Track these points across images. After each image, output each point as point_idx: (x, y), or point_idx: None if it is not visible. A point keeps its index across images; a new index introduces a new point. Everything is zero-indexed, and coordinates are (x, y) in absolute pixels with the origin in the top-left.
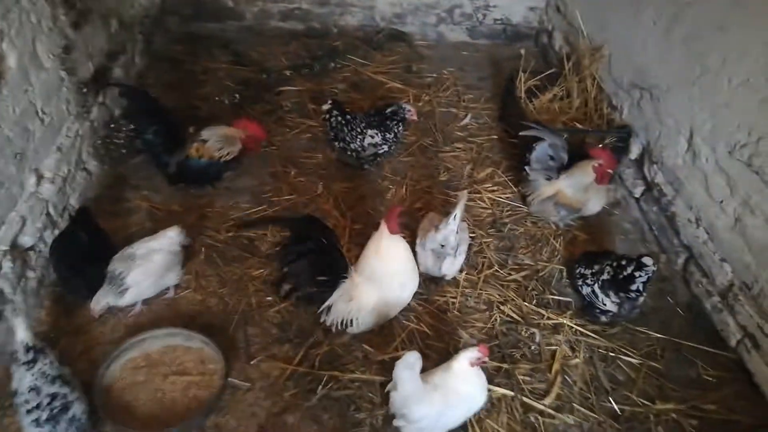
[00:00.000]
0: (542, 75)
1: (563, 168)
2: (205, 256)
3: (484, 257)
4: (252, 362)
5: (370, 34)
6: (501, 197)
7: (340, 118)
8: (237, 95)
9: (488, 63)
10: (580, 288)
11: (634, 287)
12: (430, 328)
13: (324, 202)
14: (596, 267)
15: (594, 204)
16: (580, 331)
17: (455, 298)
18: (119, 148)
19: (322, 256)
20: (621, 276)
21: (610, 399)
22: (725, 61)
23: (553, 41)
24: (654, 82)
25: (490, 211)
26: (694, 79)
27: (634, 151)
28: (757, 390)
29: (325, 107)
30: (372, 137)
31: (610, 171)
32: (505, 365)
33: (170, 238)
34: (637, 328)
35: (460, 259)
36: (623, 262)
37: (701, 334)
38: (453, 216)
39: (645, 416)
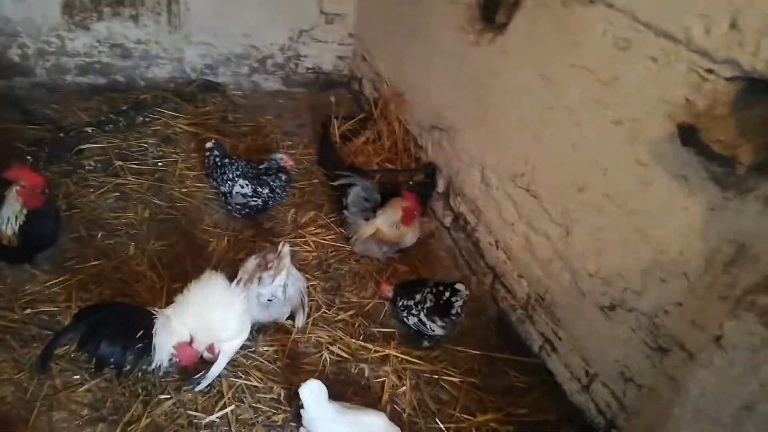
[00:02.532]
0: (354, 120)
1: (379, 207)
2: None
3: (312, 300)
4: None
5: (182, 86)
6: (325, 239)
7: (217, 160)
8: (29, 157)
9: (305, 110)
10: (405, 319)
11: (453, 311)
12: (258, 380)
13: (137, 264)
14: (417, 296)
15: (410, 237)
16: (405, 359)
17: (284, 346)
18: None
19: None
20: (441, 301)
21: (437, 420)
22: (502, 102)
23: (363, 88)
24: (449, 123)
25: (315, 253)
26: (480, 119)
27: (441, 185)
28: (560, 388)
29: (208, 145)
30: (242, 187)
31: (415, 212)
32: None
33: None
34: (457, 348)
35: (303, 308)
36: (441, 288)
37: (511, 346)
38: (277, 274)
39: (468, 430)
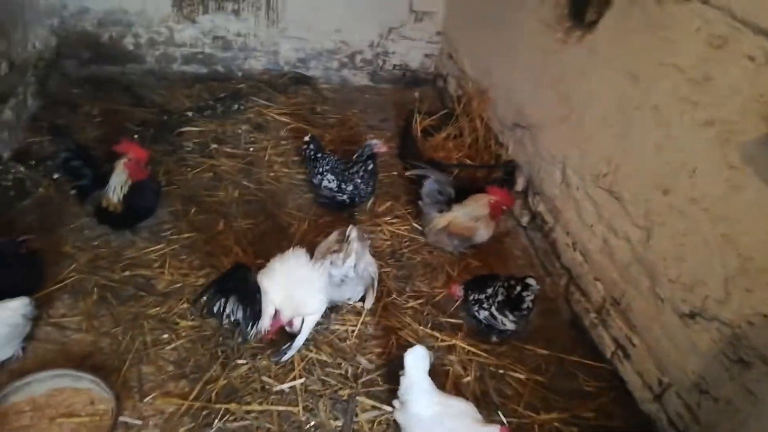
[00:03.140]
0: (436, 116)
1: (452, 201)
2: (98, 296)
3: (383, 285)
4: (145, 400)
5: (275, 78)
6: (400, 229)
7: (312, 153)
8: (136, 135)
9: (390, 105)
10: (476, 313)
11: (524, 305)
12: (328, 356)
13: (225, 238)
14: (489, 290)
15: (482, 233)
16: (471, 351)
17: (355, 326)
18: (7, 190)
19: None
20: (512, 295)
21: (499, 413)
22: (587, 101)
23: (447, 85)
24: (531, 121)
25: (389, 242)
26: (563, 118)
27: (520, 184)
28: (631, 396)
29: (306, 138)
30: (329, 182)
31: (505, 208)
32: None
33: (10, 309)
34: (525, 346)
35: (372, 291)
36: (512, 282)
37: (582, 349)
38: (346, 257)
39: (530, 427)
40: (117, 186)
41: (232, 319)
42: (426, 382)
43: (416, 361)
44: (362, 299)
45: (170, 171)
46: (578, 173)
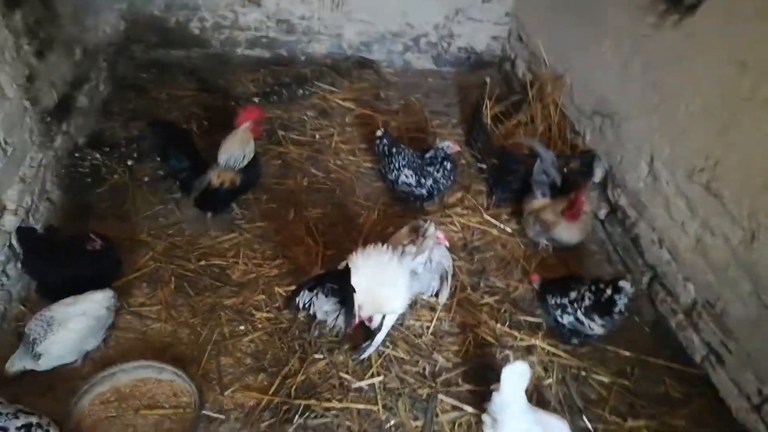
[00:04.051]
0: (507, 102)
1: (556, 187)
2: (175, 285)
3: (457, 281)
4: (226, 393)
5: (338, 62)
6: (471, 221)
7: (386, 149)
8: (206, 122)
9: (454, 90)
10: (559, 318)
11: (617, 309)
12: (405, 353)
13: (296, 228)
14: (573, 294)
15: (567, 233)
16: (552, 351)
17: (430, 322)
18: (84, 177)
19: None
20: (603, 299)
21: (584, 418)
22: (682, 90)
23: (515, 69)
24: (614, 109)
25: (460, 234)
26: (652, 107)
27: (598, 175)
28: (723, 404)
29: (378, 133)
30: (407, 177)
31: (579, 207)
32: (479, 388)
33: (96, 302)
34: (607, 347)
35: (447, 285)
36: (601, 286)
37: (668, 352)
38: (420, 252)
39: None
40: (247, 155)
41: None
42: (523, 401)
43: (515, 378)
44: (436, 294)
45: None
46: (668, 167)
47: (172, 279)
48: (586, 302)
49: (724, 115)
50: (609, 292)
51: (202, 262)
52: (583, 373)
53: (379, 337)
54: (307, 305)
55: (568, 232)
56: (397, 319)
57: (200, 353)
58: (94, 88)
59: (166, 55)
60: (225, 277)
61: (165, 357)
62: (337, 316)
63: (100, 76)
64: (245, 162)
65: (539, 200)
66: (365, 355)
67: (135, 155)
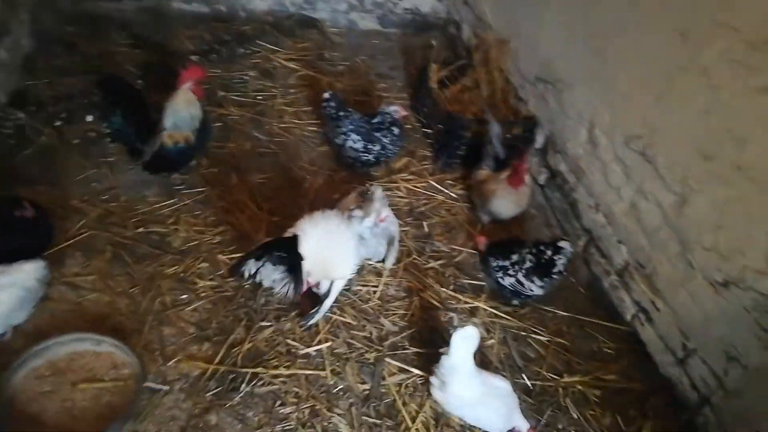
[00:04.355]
0: (453, 66)
1: (498, 160)
2: (111, 254)
3: (404, 246)
4: (169, 364)
5: (280, 20)
6: (417, 186)
7: (333, 112)
8: (140, 81)
9: (399, 52)
10: (500, 280)
11: (556, 270)
12: (353, 318)
13: (239, 193)
14: (515, 257)
15: (503, 205)
16: (494, 313)
17: (376, 287)
18: (7, 138)
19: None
20: (543, 260)
21: (523, 375)
22: (624, 58)
23: (461, 33)
24: (558, 76)
25: (407, 200)
26: (594, 75)
27: (539, 141)
28: (650, 359)
29: (325, 95)
30: (354, 142)
31: (523, 175)
32: (425, 350)
33: (25, 272)
34: (545, 308)
35: (393, 250)
36: (541, 248)
37: (601, 311)
38: (366, 216)
39: (554, 389)
40: (194, 117)
41: (271, 283)
42: (471, 364)
43: (465, 342)
44: (383, 260)
45: None
46: (607, 134)
47: (108, 247)
48: (527, 264)
49: (661, 84)
50: (549, 253)
51: (140, 230)
52: (523, 333)
53: (327, 303)
54: (253, 274)
55: (504, 205)
56: (345, 285)
57: (141, 324)
58: (16, 42)
59: (96, 7)
60: (165, 245)
61: (103, 328)
62: (285, 285)
63: (22, 29)
64: (196, 123)
65: (484, 172)
66: (313, 322)
67: (64, 115)
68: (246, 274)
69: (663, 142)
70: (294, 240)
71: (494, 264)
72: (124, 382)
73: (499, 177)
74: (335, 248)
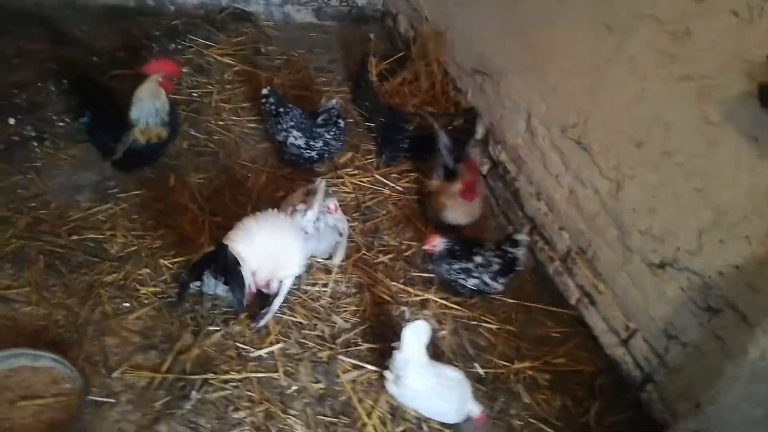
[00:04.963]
0: (392, 59)
1: (448, 169)
2: (44, 264)
3: (352, 241)
4: (113, 375)
5: (212, 13)
6: (362, 181)
7: (273, 108)
8: (65, 80)
9: (337, 45)
10: (463, 281)
11: (518, 265)
12: (303, 317)
13: (178, 195)
14: (478, 259)
15: (454, 214)
16: (444, 304)
17: (326, 284)
18: None
19: None
20: (508, 260)
21: (475, 364)
22: (554, 51)
23: (398, 25)
24: (494, 68)
25: (353, 195)
26: (528, 66)
27: (480, 132)
28: (596, 341)
29: (264, 91)
30: (296, 139)
31: (474, 188)
32: (378, 345)
33: None
34: (494, 297)
35: (341, 246)
36: (504, 247)
37: (547, 296)
38: (309, 209)
39: (506, 376)
40: (159, 110)
41: (216, 293)
42: (424, 357)
43: (416, 337)
44: (330, 257)
45: None
46: (544, 123)
47: (41, 257)
48: (494, 267)
49: (592, 75)
50: (513, 251)
51: (74, 237)
52: (474, 323)
53: (277, 303)
54: (199, 292)
55: (459, 216)
56: (294, 284)
57: (80, 335)
58: None
59: (11, 1)
60: (102, 252)
61: (40, 343)
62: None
63: None
64: (164, 116)
65: (435, 183)
66: (263, 323)
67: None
68: (191, 291)
69: (596, 130)
70: (224, 250)
71: (456, 266)
72: (66, 397)
73: (450, 189)
74: (280, 246)
